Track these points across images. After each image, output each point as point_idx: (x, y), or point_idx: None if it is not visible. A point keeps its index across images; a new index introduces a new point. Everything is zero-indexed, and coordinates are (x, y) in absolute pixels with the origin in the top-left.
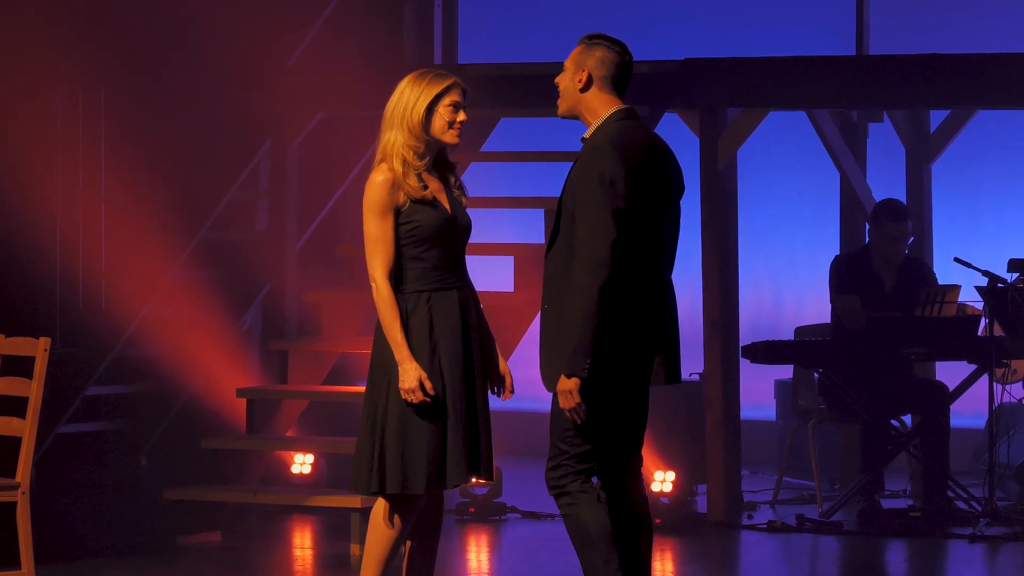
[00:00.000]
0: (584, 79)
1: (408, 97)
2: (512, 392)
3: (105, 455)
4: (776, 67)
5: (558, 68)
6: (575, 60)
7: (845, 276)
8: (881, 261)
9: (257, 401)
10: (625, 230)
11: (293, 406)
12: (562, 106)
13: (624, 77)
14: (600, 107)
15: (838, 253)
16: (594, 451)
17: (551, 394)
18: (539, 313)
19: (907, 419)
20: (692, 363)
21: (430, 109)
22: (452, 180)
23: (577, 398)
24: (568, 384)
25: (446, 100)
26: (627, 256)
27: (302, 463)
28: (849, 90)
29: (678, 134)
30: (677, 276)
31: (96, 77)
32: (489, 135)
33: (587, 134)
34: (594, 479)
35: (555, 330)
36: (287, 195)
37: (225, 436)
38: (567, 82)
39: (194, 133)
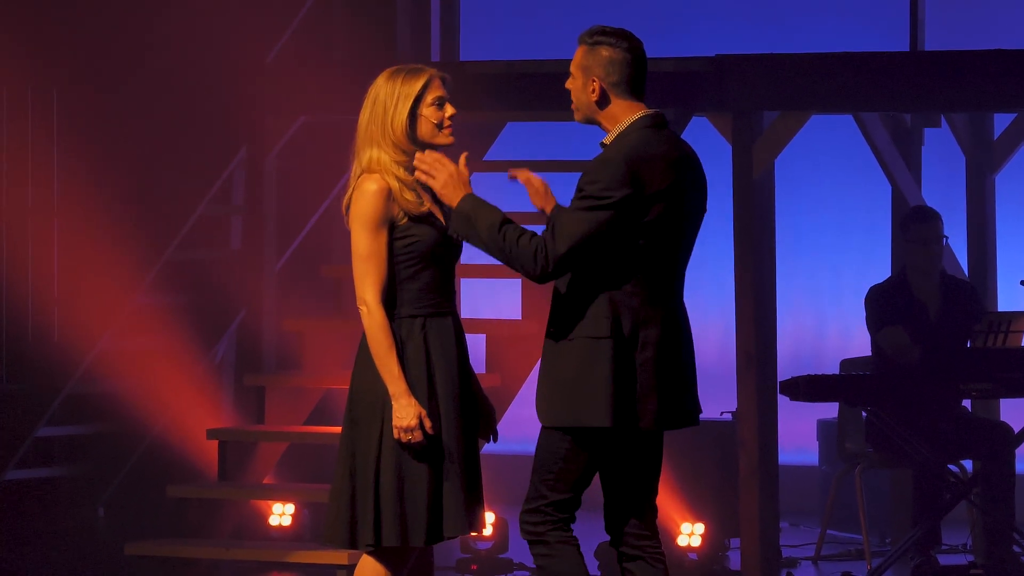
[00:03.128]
0: (597, 90)
1: (384, 106)
2: (496, 434)
3: (58, 504)
4: (819, 65)
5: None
6: (581, 66)
7: (885, 307)
8: (920, 279)
9: (230, 443)
10: (622, 257)
11: (271, 449)
12: (578, 115)
13: (639, 74)
14: (621, 114)
15: (874, 284)
16: (575, 500)
17: (544, 429)
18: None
19: (967, 464)
20: (724, 401)
21: (413, 114)
22: None
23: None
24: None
25: (428, 98)
26: (633, 282)
27: (281, 514)
28: (902, 91)
29: (708, 140)
30: (707, 303)
31: (47, 77)
32: (494, 141)
33: (607, 139)
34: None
35: (554, 362)
36: (265, 210)
37: (194, 483)
38: (579, 92)
39: (159, 140)
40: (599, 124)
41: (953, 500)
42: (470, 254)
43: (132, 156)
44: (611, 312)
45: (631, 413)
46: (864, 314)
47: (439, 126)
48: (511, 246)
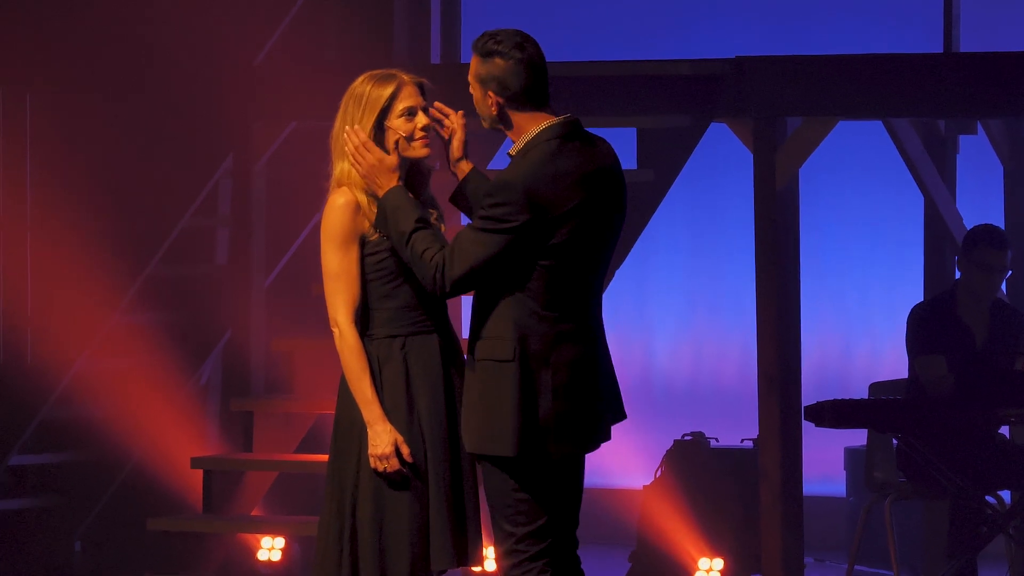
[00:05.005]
0: (494, 106)
1: (351, 118)
2: None
3: (31, 538)
4: (847, 67)
5: (580, 69)
6: (477, 77)
7: (929, 331)
8: (971, 302)
9: (216, 473)
10: (526, 276)
11: (260, 479)
12: (483, 122)
13: (538, 82)
14: (526, 124)
15: (919, 301)
16: (548, 527)
17: (484, 464)
18: None
19: (1005, 495)
20: (745, 427)
21: (379, 127)
22: (429, 202)
23: None
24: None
25: (397, 108)
26: (543, 302)
27: (271, 548)
28: (935, 95)
29: (728, 148)
30: (726, 322)
31: (20, 80)
32: (497, 151)
33: (513, 150)
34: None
35: (467, 385)
36: (253, 222)
37: (177, 515)
38: (480, 103)
39: (140, 148)
40: (505, 133)
41: (990, 533)
42: None
43: (111, 165)
44: (516, 334)
45: (540, 441)
46: (904, 334)
47: (409, 138)
48: (415, 259)
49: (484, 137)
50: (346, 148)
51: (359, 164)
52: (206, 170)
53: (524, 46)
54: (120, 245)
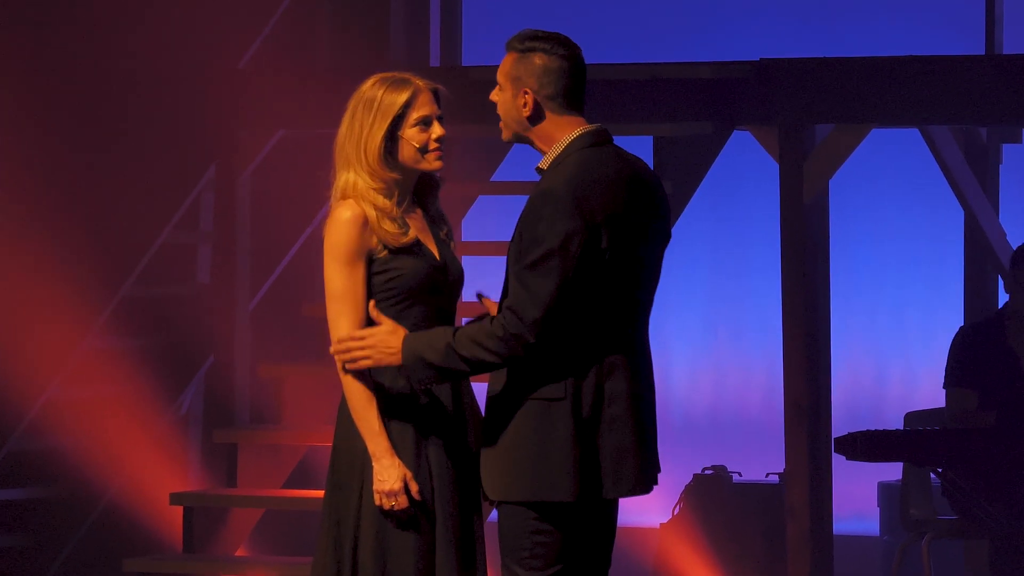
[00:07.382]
0: (530, 104)
1: (360, 124)
2: None
3: None
4: (880, 70)
5: (590, 72)
6: (510, 76)
7: (966, 357)
8: (1020, 326)
9: (197, 509)
10: (575, 300)
11: (245, 516)
12: (505, 132)
13: (578, 85)
14: (557, 132)
15: (963, 324)
16: (564, 574)
17: (503, 505)
18: None
19: None
20: (770, 460)
21: (391, 136)
22: (437, 217)
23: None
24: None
25: (412, 117)
26: (590, 328)
27: None
28: (976, 101)
29: (752, 157)
30: (750, 346)
31: None
32: (502, 160)
33: (543, 163)
34: None
35: (500, 427)
36: (237, 238)
37: (155, 556)
38: (508, 105)
39: (114, 157)
40: (531, 143)
41: None
42: (472, 292)
43: (83, 176)
44: (567, 369)
45: (597, 482)
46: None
47: (423, 150)
48: (471, 348)
49: (485, 142)
50: (338, 360)
51: (362, 361)
52: (187, 182)
53: (568, 44)
54: (93, 263)
